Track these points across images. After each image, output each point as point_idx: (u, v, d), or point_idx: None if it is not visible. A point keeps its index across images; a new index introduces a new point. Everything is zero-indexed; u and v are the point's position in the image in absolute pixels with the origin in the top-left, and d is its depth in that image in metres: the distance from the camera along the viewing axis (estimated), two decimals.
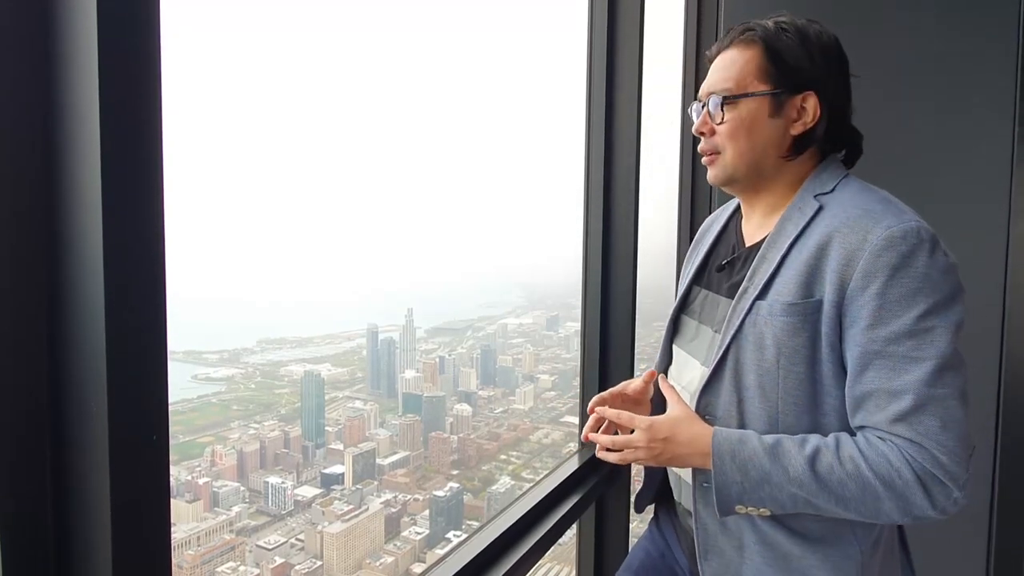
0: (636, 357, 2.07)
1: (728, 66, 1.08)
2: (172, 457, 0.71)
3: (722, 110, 1.06)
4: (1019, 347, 2.00)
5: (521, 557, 1.52)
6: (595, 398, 1.20)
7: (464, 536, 1.56)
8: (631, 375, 2.07)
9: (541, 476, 1.91)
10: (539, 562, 1.64)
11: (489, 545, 1.48)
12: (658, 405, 1.24)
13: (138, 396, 0.65)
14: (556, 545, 1.73)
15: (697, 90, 1.13)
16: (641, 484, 1.33)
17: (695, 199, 2.51)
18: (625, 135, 2.00)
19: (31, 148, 0.63)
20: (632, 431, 1.07)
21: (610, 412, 1.10)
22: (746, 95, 1.05)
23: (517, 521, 1.60)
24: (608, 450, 1.10)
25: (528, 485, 1.86)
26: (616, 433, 1.13)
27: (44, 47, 0.63)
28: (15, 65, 0.61)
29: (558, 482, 1.80)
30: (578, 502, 1.81)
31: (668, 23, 2.47)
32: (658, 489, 1.31)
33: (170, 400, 0.70)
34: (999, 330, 2.01)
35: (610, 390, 1.23)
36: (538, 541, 1.60)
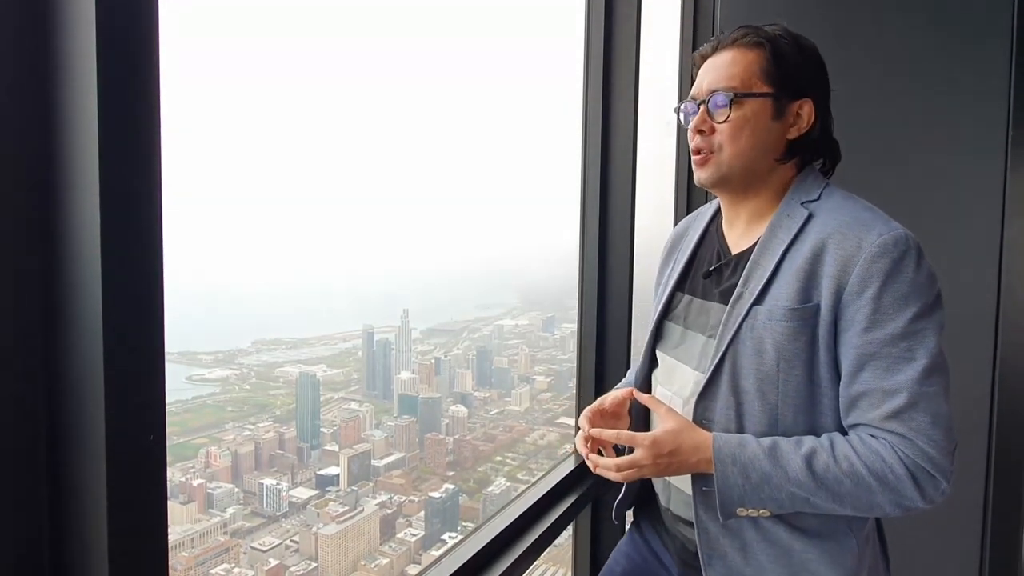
0: (632, 359, 2.07)
1: (730, 65, 1.07)
2: (167, 458, 0.70)
3: (730, 108, 1.06)
4: (1012, 347, 2.01)
5: (517, 559, 1.52)
6: (582, 419, 1.20)
7: (460, 538, 1.56)
8: None
9: (537, 478, 1.91)
10: (535, 564, 1.64)
11: (485, 547, 1.48)
12: (636, 417, 1.25)
13: (135, 397, 0.65)
14: (552, 547, 1.73)
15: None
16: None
17: (691, 200, 2.51)
18: (621, 135, 2.00)
19: (30, 148, 0.62)
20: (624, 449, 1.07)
21: (608, 434, 1.10)
22: (752, 94, 1.05)
23: (513, 523, 1.60)
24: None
25: (524, 487, 1.86)
26: (600, 452, 1.14)
27: (44, 47, 0.63)
28: (15, 65, 0.61)
29: (554, 484, 1.80)
30: (574, 504, 1.81)
31: (664, 25, 2.47)
32: (637, 495, 1.31)
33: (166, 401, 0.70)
34: (993, 331, 2.02)
35: (588, 408, 1.22)
36: (534, 543, 1.60)
